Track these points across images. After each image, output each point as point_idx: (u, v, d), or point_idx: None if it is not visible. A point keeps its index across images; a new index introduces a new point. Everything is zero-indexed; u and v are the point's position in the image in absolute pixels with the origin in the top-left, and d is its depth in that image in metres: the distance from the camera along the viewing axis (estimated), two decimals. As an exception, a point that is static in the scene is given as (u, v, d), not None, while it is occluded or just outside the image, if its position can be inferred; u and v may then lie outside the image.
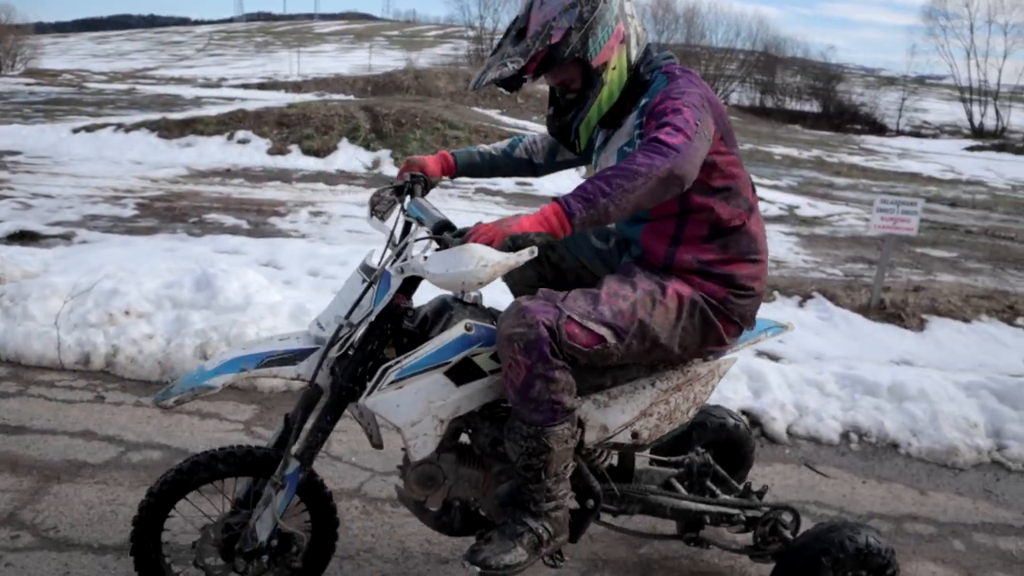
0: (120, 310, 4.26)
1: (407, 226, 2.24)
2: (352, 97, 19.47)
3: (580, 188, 1.89)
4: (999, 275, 7.99)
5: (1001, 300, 6.48)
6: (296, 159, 11.53)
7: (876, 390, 4.21)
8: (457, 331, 2.07)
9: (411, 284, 2.14)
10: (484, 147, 2.61)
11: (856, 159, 18.09)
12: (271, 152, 11.65)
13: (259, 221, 7.81)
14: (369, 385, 2.06)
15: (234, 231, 7.28)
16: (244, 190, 9.47)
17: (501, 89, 2.17)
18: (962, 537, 3.28)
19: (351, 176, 10.97)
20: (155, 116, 12.94)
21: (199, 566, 2.26)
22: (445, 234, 2.08)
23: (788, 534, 2.56)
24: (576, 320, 2.01)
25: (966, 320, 5.94)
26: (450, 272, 1.86)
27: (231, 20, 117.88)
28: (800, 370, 4.36)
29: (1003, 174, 17.25)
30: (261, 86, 24.07)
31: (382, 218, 2.28)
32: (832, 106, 29.81)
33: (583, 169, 9.71)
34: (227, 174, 10.48)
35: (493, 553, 2.07)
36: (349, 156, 11.79)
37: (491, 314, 2.21)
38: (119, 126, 12.16)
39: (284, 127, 12.23)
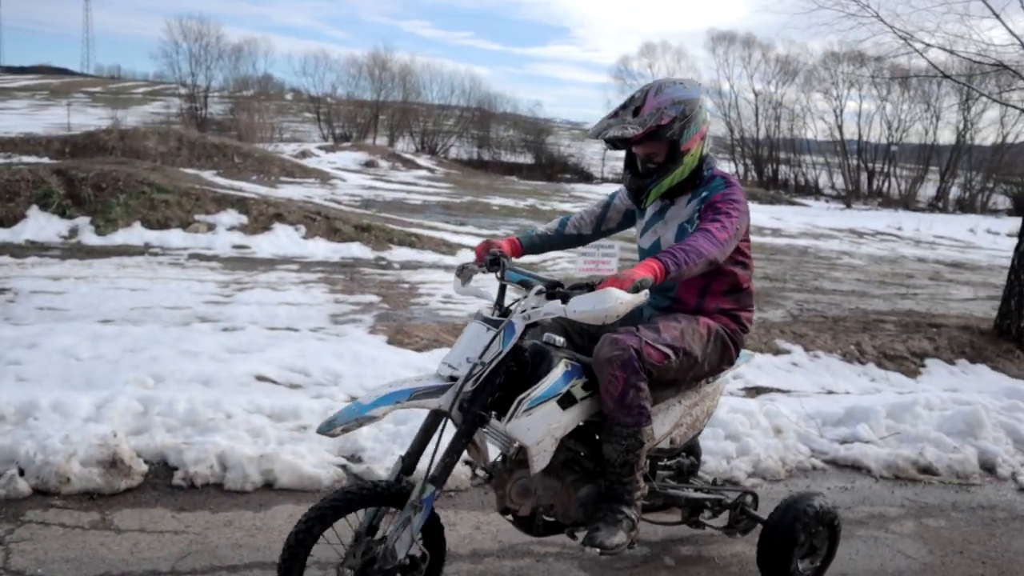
0: None
1: (502, 289, 2.81)
2: (47, 159, 17.62)
3: (671, 253, 2.57)
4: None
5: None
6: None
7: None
8: (561, 368, 2.66)
9: (530, 329, 2.68)
10: (541, 229, 3.30)
11: (567, 206, 19.47)
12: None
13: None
14: (509, 413, 2.57)
15: None
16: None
17: (609, 145, 2.91)
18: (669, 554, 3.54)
19: (44, 247, 9.89)
20: None
21: None
22: (558, 289, 2.63)
23: (753, 511, 3.42)
24: (650, 343, 2.73)
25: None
26: (596, 308, 2.41)
27: None
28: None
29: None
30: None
31: (464, 283, 2.95)
32: (544, 157, 31.92)
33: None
34: None
35: (605, 537, 2.64)
36: (41, 225, 10.62)
37: (573, 355, 2.75)
38: None
39: (-43, 194, 10.79)
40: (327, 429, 2.47)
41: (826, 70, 37.20)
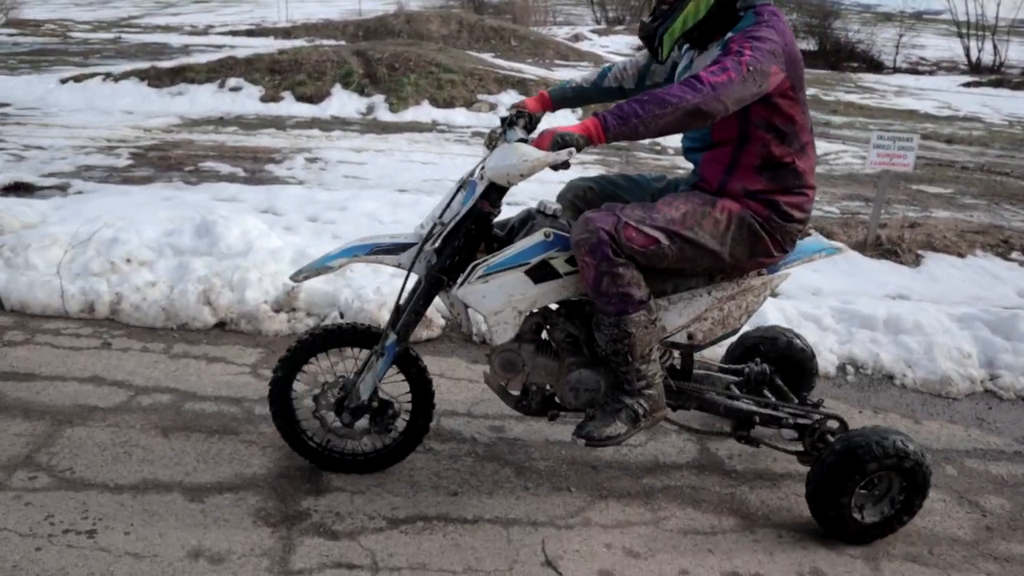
0: (122, 258, 4.28)
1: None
2: (343, 42, 19.14)
3: (618, 107, 2.20)
4: (994, 210, 8.00)
5: (996, 235, 6.51)
6: (289, 106, 11.38)
7: (872, 323, 4.27)
8: (537, 237, 2.45)
9: (497, 192, 2.46)
10: (576, 79, 2.92)
11: (853, 97, 17.92)
12: (264, 99, 11.50)
13: (255, 168, 7.76)
14: (461, 278, 2.46)
15: (231, 179, 7.23)
16: (238, 138, 9.38)
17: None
18: (954, 463, 3.37)
19: (346, 122, 10.86)
20: (144, 65, 12.71)
21: (316, 416, 2.78)
22: (513, 136, 2.42)
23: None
24: (633, 225, 2.37)
25: (961, 255, 5.98)
26: (499, 165, 2.29)
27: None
28: (798, 305, 4.41)
29: (1000, 110, 17.12)
30: (249, 32, 23.57)
31: (489, 148, 2.58)
32: (829, 44, 29.36)
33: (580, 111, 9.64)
34: (220, 122, 10.39)
35: (596, 428, 2.49)
36: (343, 102, 11.64)
37: (564, 226, 2.52)
38: (107, 75, 11.96)
39: (276, 74, 12.06)
40: (293, 276, 2.62)
41: None
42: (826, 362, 4.02)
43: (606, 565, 2.55)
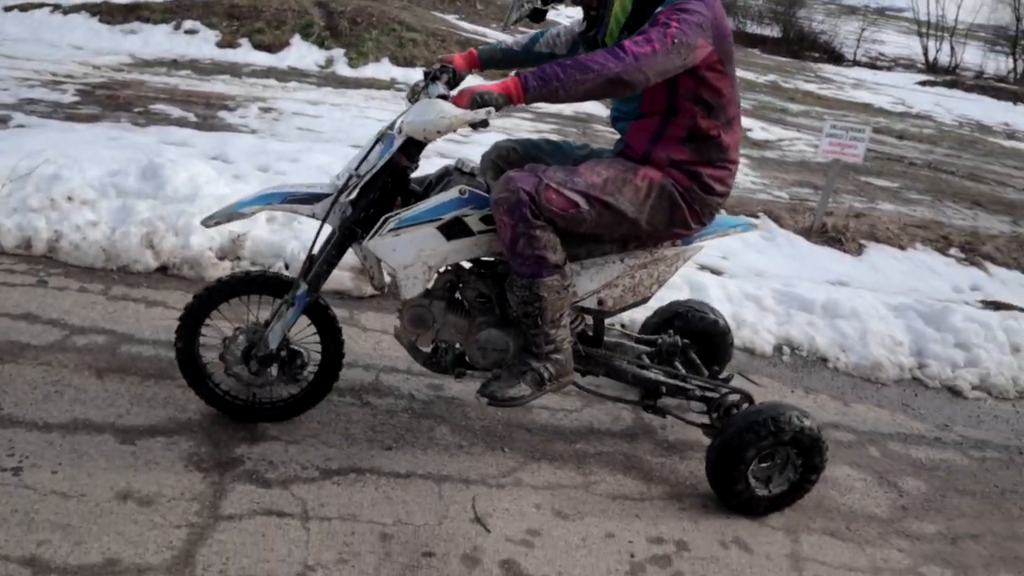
0: (63, 196, 4.16)
1: None
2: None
3: (540, 69, 2.21)
4: (937, 207, 8.22)
5: (936, 231, 6.70)
6: (246, 53, 11.11)
7: (811, 307, 4.38)
8: (452, 193, 2.44)
9: (415, 147, 2.45)
10: (508, 42, 2.91)
11: (811, 86, 18.15)
12: (220, 45, 11.19)
13: (207, 115, 7.58)
14: (372, 231, 2.45)
15: (181, 123, 7.05)
16: (192, 82, 9.14)
17: (531, 21, 2.55)
18: (878, 445, 3.49)
19: (303, 74, 10.65)
20: (96, -1, 12.30)
21: (223, 360, 2.72)
22: (434, 91, 2.41)
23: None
24: (554, 187, 2.36)
25: (902, 247, 6.14)
26: (416, 120, 2.27)
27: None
28: (741, 285, 4.50)
29: (952, 110, 17.50)
30: (209, -25, 22.91)
31: (411, 101, 2.56)
32: (792, 32, 29.63)
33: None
34: (174, 65, 10.10)
35: (499, 388, 2.50)
36: (302, 53, 11.40)
37: (487, 186, 2.51)
38: (56, 7, 11.52)
39: (234, 19, 11.74)
40: (204, 221, 2.59)
41: None
42: (763, 342, 4.12)
43: (534, 524, 2.60)
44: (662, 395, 2.88)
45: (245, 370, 2.71)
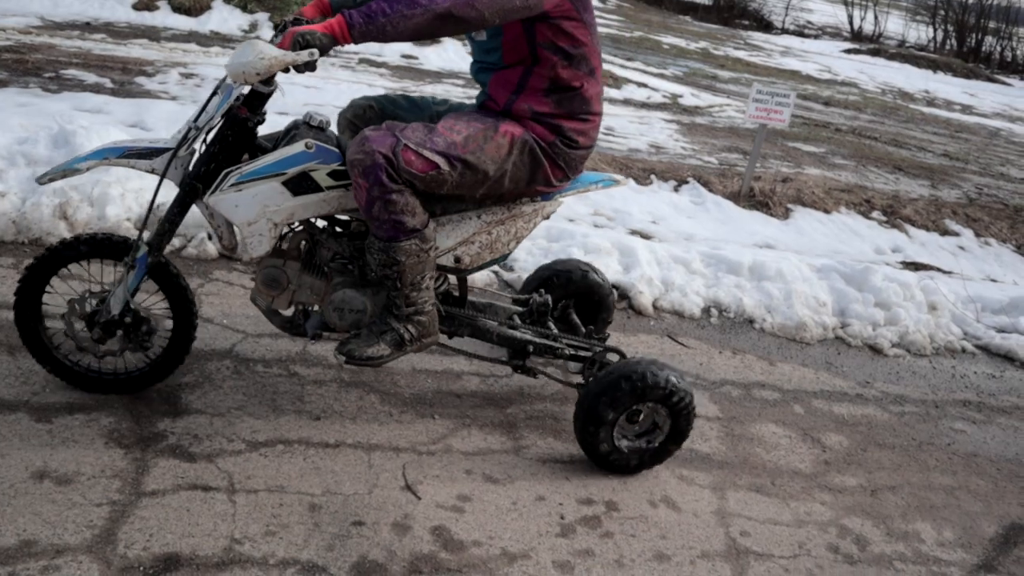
0: (-33, 164, 3.95)
1: None
2: (229, -46, 18.07)
3: (367, 6, 2.12)
4: (861, 172, 8.43)
5: (860, 194, 6.88)
6: (165, 16, 10.70)
7: (738, 269, 4.45)
8: (297, 147, 2.34)
9: (257, 99, 2.34)
10: None
11: (741, 54, 18.36)
12: (137, 7, 10.75)
13: (124, 80, 7.29)
14: (214, 186, 2.35)
15: (96, 90, 6.76)
16: (107, 46, 8.76)
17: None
18: (802, 402, 3.59)
19: (227, 39, 10.31)
20: (2, -42, 11.67)
21: (68, 335, 2.58)
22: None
23: None
24: (412, 148, 2.27)
25: (827, 211, 6.29)
26: (234, 62, 2.15)
27: None
28: (669, 249, 4.55)
29: (875, 77, 17.94)
30: (126, -65, 21.96)
31: None
32: (722, 0, 29.92)
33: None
34: (87, 28, 9.67)
35: (358, 347, 2.45)
36: (224, 17, 11.04)
37: (337, 141, 2.42)
38: (-40, -33, 10.93)
39: (152, -19, 11.31)
40: (39, 178, 2.45)
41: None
42: (692, 304, 4.17)
43: (464, 490, 2.60)
44: (529, 355, 2.84)
45: (88, 335, 2.57)
